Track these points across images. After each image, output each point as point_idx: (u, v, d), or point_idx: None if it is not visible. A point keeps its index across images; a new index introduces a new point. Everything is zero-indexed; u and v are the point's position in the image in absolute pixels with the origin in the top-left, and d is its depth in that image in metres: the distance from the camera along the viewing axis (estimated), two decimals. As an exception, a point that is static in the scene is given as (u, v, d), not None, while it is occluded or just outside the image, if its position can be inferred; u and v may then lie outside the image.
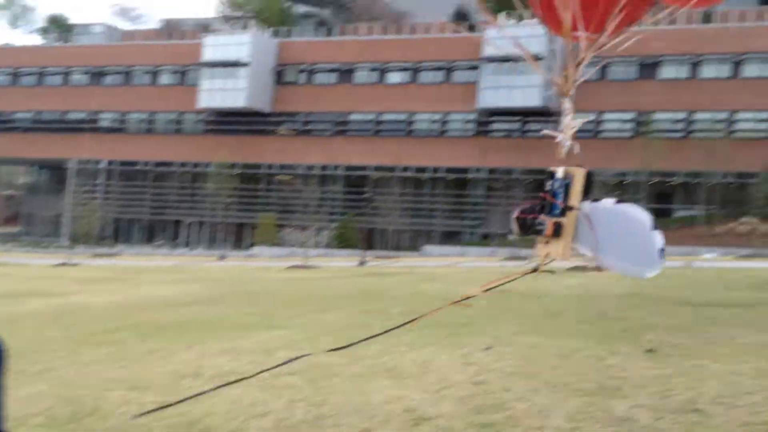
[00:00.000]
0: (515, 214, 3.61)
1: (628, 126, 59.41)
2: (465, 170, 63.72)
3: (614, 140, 59.04)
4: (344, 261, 49.04)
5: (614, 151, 57.45)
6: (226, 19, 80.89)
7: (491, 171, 62.35)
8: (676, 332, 14.31)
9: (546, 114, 60.80)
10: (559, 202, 3.46)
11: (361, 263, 44.30)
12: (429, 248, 58.58)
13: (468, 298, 3.96)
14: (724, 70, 57.38)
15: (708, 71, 57.92)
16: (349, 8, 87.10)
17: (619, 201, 3.41)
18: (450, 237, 63.65)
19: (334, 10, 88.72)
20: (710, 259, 42.06)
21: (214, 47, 69.57)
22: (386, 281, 28.74)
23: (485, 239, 59.93)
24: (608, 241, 3.36)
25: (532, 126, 62.17)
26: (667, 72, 58.84)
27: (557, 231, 3.42)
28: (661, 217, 55.93)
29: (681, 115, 58.21)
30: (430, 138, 64.89)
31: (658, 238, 3.31)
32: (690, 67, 58.24)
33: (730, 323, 15.39)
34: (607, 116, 60.19)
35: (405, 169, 64.50)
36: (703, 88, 57.11)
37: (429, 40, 66.66)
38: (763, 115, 56.19)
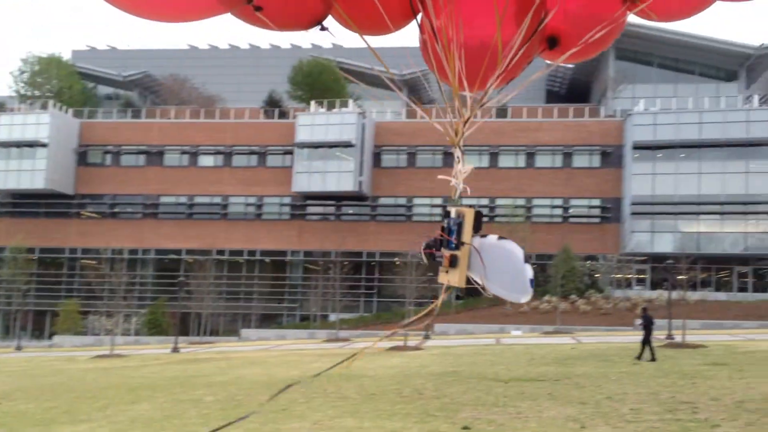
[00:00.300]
0: (422, 248, 4.07)
1: (437, 210, 62.22)
2: (282, 253, 63.62)
3: (425, 224, 61.54)
4: (156, 348, 46.88)
5: (425, 234, 59.61)
6: (23, 98, 76.91)
7: (308, 253, 62.72)
8: (490, 407, 14.85)
9: (360, 198, 62.51)
10: (453, 238, 3.95)
11: (175, 350, 42.46)
12: (247, 332, 57.34)
13: (393, 332, 4.34)
14: (521, 161, 62.12)
15: (506, 161, 62.41)
16: (155, 91, 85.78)
17: (501, 238, 3.90)
18: (268, 320, 62.81)
19: (140, 92, 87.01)
20: (517, 336, 44.39)
21: (9, 127, 65.78)
22: (201, 368, 27.69)
23: (304, 321, 59.69)
24: (493, 271, 3.87)
25: (347, 210, 63.59)
26: (469, 160, 62.29)
27: (453, 262, 3.92)
28: (473, 297, 58.58)
29: (484, 201, 61.94)
30: (246, 221, 64.42)
31: (529, 270, 3.74)
32: (490, 157, 62.46)
33: (538, 397, 16.23)
34: (417, 201, 62.85)
35: (220, 252, 63.35)
36: (503, 177, 61.36)
37: (242, 124, 66.92)
38: (556, 202, 61.13)
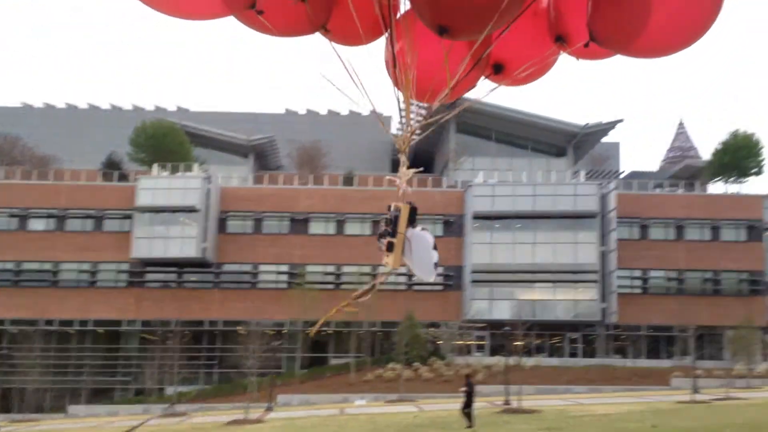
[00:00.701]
0: (377, 235, 4.82)
1: (283, 278, 61.59)
2: (117, 322, 60.37)
3: (271, 291, 60.67)
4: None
5: (271, 301, 58.93)
6: None
7: (146, 323, 59.83)
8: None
9: (204, 264, 60.75)
10: (390, 227, 4.71)
11: (-9, 431, 38.84)
12: (75, 408, 53.41)
13: (346, 304, 5.29)
14: (366, 228, 62.86)
15: (353, 229, 62.97)
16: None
17: (423, 228, 4.77)
18: (100, 395, 58.91)
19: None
20: (361, 405, 44.06)
21: None
22: (21, 451, 25.41)
23: (139, 396, 56.43)
24: (416, 255, 4.67)
25: (190, 276, 61.60)
26: (316, 228, 62.82)
27: (390, 248, 4.70)
28: (317, 366, 57.92)
29: (331, 268, 62.00)
30: (79, 288, 60.78)
31: (435, 255, 4.70)
32: (336, 224, 62.88)
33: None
34: (263, 268, 61.95)
35: (49, 322, 59.18)
36: (350, 244, 61.74)
37: (78, 186, 63.61)
38: (401, 269, 61.90)
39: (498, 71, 5.10)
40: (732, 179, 67.80)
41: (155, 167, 63.28)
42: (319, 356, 60.27)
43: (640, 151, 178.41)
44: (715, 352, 61.22)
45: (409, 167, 4.84)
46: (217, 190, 62.47)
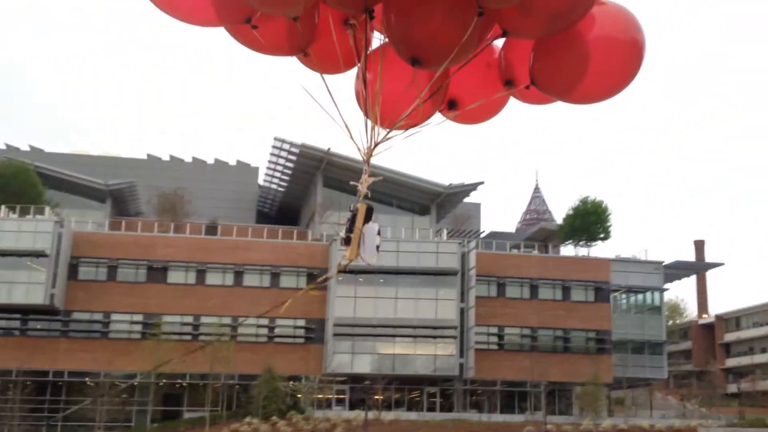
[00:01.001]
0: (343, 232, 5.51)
1: (137, 327, 59.09)
2: (-49, 372, 55.75)
3: (123, 341, 58.05)
4: None
5: (122, 352, 56.25)
6: None
7: (-16, 373, 55.64)
8: None
9: (51, 312, 57.41)
10: (348, 224, 5.46)
11: None
12: None
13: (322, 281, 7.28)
14: (228, 279, 61.59)
15: (212, 279, 61.44)
16: None
17: (374, 222, 5.54)
18: None
19: None
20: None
21: None
22: None
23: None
24: (366, 243, 5.42)
25: (35, 324, 58.00)
26: (175, 277, 60.85)
27: (347, 241, 5.43)
28: (170, 419, 55.50)
29: (189, 319, 60.10)
30: None
31: (378, 239, 5.50)
32: (197, 274, 61.17)
33: None
34: (116, 317, 59.27)
35: None
36: (209, 294, 60.17)
37: None
38: (262, 321, 61.02)
39: (452, 107, 5.86)
40: (582, 243, 71.57)
41: (3, 209, 59.63)
42: (173, 410, 57.86)
43: (499, 213, 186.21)
44: (564, 407, 63.73)
45: (370, 175, 5.69)
46: (69, 234, 59.48)
